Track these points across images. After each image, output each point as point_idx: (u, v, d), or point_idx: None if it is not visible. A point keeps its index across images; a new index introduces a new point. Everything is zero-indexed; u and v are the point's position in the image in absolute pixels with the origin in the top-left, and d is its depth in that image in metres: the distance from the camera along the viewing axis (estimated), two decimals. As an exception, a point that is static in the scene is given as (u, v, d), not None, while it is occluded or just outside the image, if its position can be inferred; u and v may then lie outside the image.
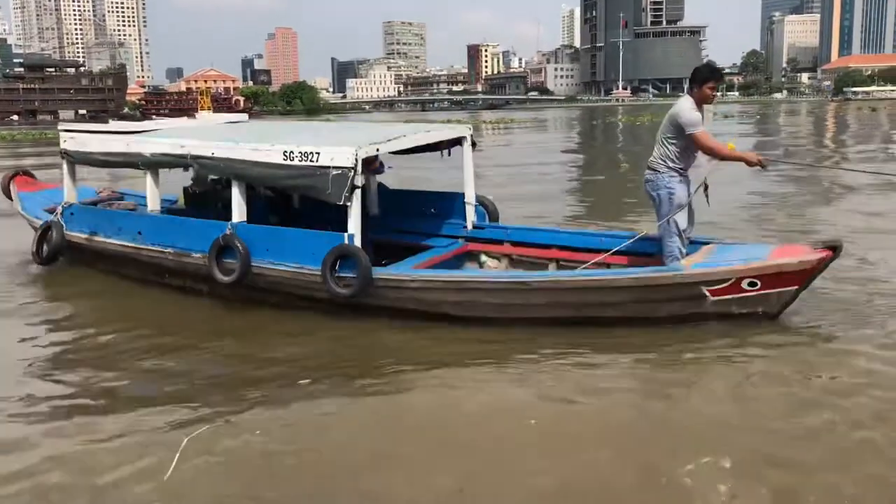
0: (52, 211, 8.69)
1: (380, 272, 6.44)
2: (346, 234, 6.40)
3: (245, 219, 7.06)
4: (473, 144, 8.00)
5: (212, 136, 7.65)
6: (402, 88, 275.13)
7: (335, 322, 6.59)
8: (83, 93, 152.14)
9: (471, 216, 8.03)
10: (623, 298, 5.87)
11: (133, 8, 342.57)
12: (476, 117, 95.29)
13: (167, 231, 7.53)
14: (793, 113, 74.32)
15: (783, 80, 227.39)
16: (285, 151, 6.64)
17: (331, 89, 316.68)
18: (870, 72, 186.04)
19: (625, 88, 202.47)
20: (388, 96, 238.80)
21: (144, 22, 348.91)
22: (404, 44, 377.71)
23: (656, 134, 6.59)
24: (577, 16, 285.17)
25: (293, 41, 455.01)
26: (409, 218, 8.29)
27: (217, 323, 6.94)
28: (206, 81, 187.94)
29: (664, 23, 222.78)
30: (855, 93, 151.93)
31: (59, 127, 8.58)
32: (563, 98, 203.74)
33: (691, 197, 6.47)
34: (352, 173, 6.28)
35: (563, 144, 36.78)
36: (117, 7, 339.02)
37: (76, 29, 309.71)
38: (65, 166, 8.49)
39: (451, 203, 8.18)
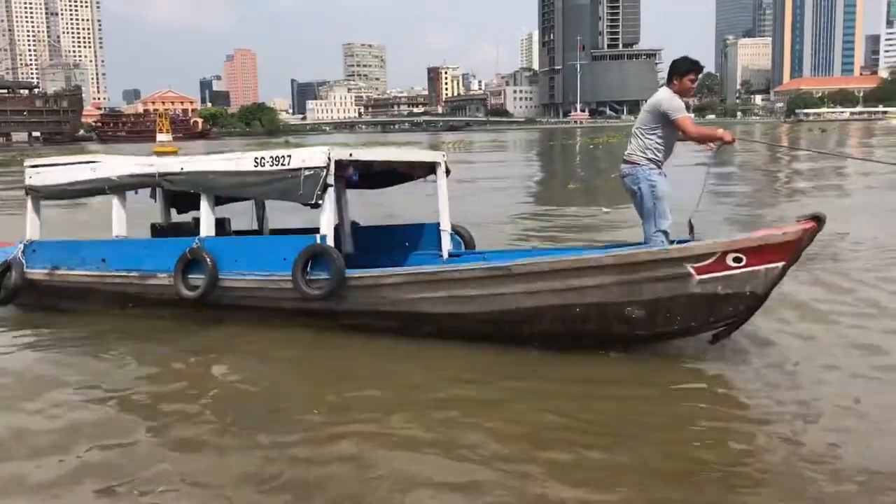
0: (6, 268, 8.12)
1: (354, 272, 6.25)
2: (317, 235, 6.30)
3: (213, 233, 6.97)
4: (448, 171, 7.87)
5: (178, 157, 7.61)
6: (362, 110, 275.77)
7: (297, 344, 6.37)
8: (37, 115, 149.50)
9: (446, 244, 7.85)
10: (606, 280, 5.61)
11: (89, 29, 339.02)
12: (437, 139, 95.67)
13: (133, 254, 7.38)
14: (748, 135, 75.84)
15: (737, 101, 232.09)
16: (256, 158, 6.65)
17: (290, 111, 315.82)
18: (820, 94, 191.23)
19: (583, 110, 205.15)
20: (349, 118, 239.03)
21: (101, 43, 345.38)
22: (365, 66, 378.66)
23: (632, 128, 6.54)
24: (536, 39, 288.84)
25: (252, 62, 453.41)
26: (383, 253, 8.07)
27: (169, 358, 6.32)
28: (163, 103, 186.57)
29: (621, 46, 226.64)
30: (807, 114, 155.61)
31: (25, 163, 8.36)
32: (522, 120, 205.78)
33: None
34: (324, 172, 6.27)
35: (522, 167, 37.07)
36: (73, 28, 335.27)
37: (30, 50, 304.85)
38: (29, 202, 8.26)
39: (425, 233, 8.04)
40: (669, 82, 6.43)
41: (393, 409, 4.97)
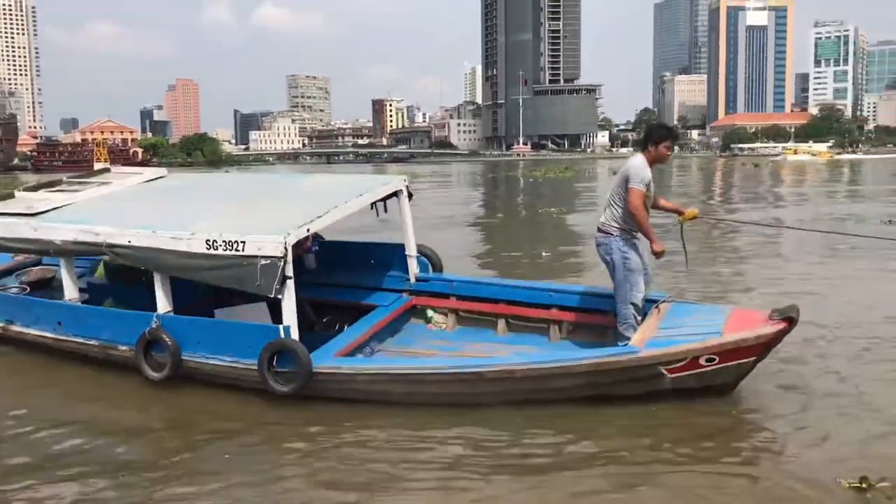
0: None
1: (322, 366, 5.92)
2: (281, 327, 5.93)
3: (171, 309, 6.52)
4: (410, 195, 7.74)
5: (128, 214, 7.09)
6: (306, 141, 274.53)
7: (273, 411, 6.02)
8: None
9: (413, 268, 7.75)
10: (579, 383, 5.68)
11: (25, 56, 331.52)
12: (381, 170, 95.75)
13: (89, 322, 6.95)
14: (684, 168, 77.61)
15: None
16: (208, 240, 6.08)
17: (233, 141, 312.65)
18: (754, 129, 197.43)
19: (525, 143, 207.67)
20: (293, 149, 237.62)
21: (38, 71, 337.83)
22: (309, 97, 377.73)
23: (606, 195, 6.47)
24: (479, 73, 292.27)
25: (194, 92, 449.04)
26: (349, 272, 7.89)
27: (141, 413, 6.17)
28: (102, 132, 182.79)
29: (562, 81, 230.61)
30: (741, 149, 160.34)
31: None
32: (466, 152, 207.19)
33: (646, 263, 6.37)
34: (281, 263, 5.79)
35: (466, 195, 37.33)
36: (8, 55, 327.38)
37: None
38: None
39: (392, 254, 7.86)
40: (644, 149, 6.36)
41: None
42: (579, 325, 7.13)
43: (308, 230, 6.20)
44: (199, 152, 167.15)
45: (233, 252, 5.98)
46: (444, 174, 75.97)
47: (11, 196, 7.96)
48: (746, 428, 5.59)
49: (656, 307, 6.37)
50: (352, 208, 6.86)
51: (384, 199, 7.58)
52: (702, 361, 5.53)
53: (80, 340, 6.92)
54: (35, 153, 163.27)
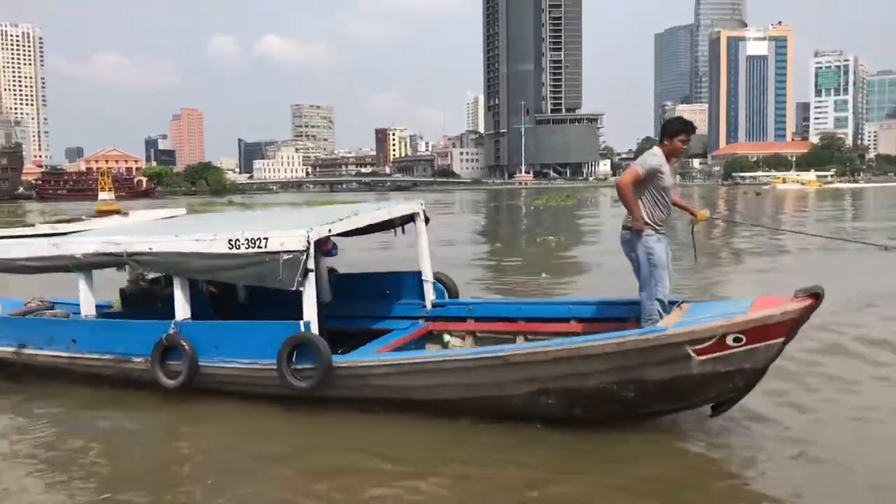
0: None
1: (341, 360, 5.99)
2: (301, 322, 5.96)
3: (189, 316, 6.56)
4: (427, 220, 7.71)
5: (148, 230, 7.14)
6: (310, 170, 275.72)
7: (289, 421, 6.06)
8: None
9: (429, 294, 7.65)
10: (606, 366, 5.49)
11: (32, 86, 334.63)
12: (384, 198, 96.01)
13: (104, 336, 6.92)
14: (685, 197, 77.65)
15: (676, 165, 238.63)
16: (231, 240, 6.17)
17: (237, 170, 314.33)
18: (755, 158, 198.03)
19: (527, 172, 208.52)
20: (297, 177, 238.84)
21: (44, 101, 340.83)
22: (313, 126, 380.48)
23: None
24: (482, 103, 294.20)
25: (199, 122, 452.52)
26: (364, 302, 7.85)
27: (162, 443, 6.13)
28: (107, 161, 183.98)
29: (563, 111, 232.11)
30: (742, 177, 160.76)
31: None
32: (469, 181, 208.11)
33: (670, 257, 6.27)
34: (304, 257, 5.89)
35: (470, 223, 37.51)
36: (15, 85, 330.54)
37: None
38: None
39: (407, 282, 7.79)
40: (661, 142, 6.34)
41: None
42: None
43: (330, 230, 6.31)
44: (203, 181, 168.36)
45: (255, 249, 6.07)
46: (446, 202, 76.23)
47: (32, 226, 8.12)
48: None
49: (678, 306, 6.30)
50: (371, 219, 7.00)
51: (402, 223, 7.69)
52: (729, 341, 5.34)
53: (95, 356, 6.89)
54: (40, 182, 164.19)
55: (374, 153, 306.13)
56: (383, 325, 7.58)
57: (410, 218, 7.67)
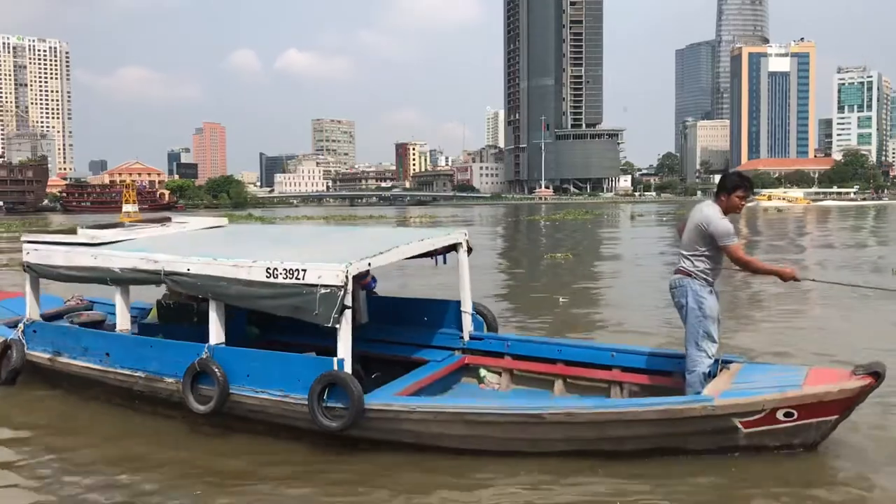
0: (13, 325, 8.00)
1: (374, 402, 5.76)
2: (335, 360, 5.81)
3: (223, 340, 6.45)
4: (469, 249, 7.50)
5: (187, 249, 7.07)
6: (330, 184, 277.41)
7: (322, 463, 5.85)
8: (1, 184, 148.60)
9: (467, 326, 7.41)
10: (646, 432, 5.27)
11: (58, 100, 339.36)
12: (404, 213, 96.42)
13: (138, 353, 6.88)
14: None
15: (697, 181, 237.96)
16: (268, 269, 6.06)
17: (259, 183, 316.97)
18: (777, 174, 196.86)
19: (547, 187, 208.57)
20: (317, 191, 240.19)
21: (69, 114, 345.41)
22: (333, 140, 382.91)
23: (682, 238, 6.16)
24: (502, 118, 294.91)
25: (221, 135, 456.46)
26: (400, 327, 7.66)
27: (188, 462, 5.99)
28: (130, 174, 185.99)
29: (584, 126, 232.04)
30: (762, 194, 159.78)
31: (23, 238, 7.98)
32: (488, 195, 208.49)
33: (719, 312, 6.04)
34: (341, 292, 5.72)
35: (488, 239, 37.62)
36: (41, 99, 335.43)
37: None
38: (27, 280, 7.90)
39: (445, 311, 7.56)
40: (717, 198, 6.04)
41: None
42: (644, 387, 6.61)
43: (369, 264, 6.14)
44: (224, 194, 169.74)
45: (293, 280, 5.94)
46: (465, 217, 76.47)
47: (74, 232, 8.15)
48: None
49: (727, 367, 5.93)
50: (412, 250, 6.78)
51: (444, 252, 7.48)
52: (779, 416, 5.10)
53: (127, 372, 6.87)
54: (64, 194, 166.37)
55: (393, 168, 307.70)
56: (418, 354, 7.40)
57: (453, 247, 7.44)
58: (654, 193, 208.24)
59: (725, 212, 5.97)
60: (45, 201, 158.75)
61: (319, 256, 6.16)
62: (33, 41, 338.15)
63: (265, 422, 6.24)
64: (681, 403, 5.26)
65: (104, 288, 7.58)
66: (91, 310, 9.22)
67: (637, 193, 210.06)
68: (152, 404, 6.83)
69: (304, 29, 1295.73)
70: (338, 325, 5.77)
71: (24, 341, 7.71)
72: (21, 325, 7.83)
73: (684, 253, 6.05)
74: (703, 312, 5.87)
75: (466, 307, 7.42)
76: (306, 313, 5.88)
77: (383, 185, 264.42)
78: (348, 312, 5.80)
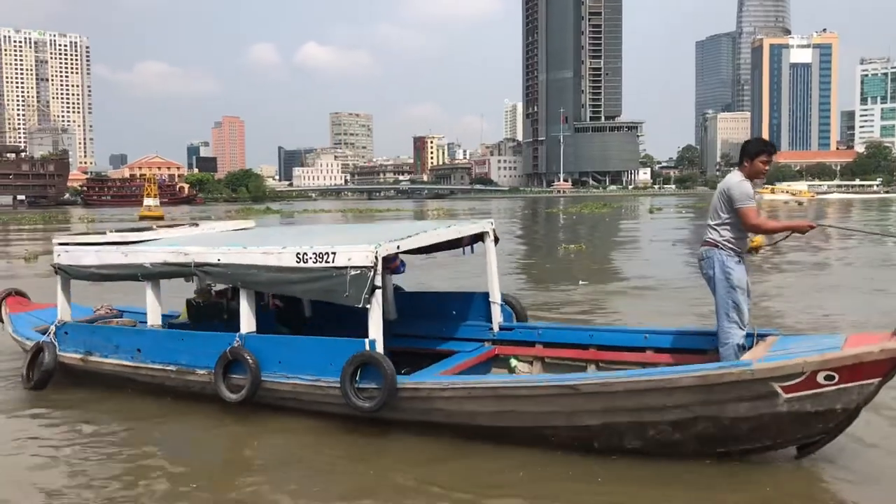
0: (43, 331, 8.07)
1: (406, 381, 5.82)
2: (366, 340, 5.87)
3: (254, 329, 6.55)
4: (496, 239, 7.51)
5: (217, 241, 7.17)
6: (348, 177, 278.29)
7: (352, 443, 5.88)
8: (23, 178, 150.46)
9: (497, 317, 7.40)
10: (685, 400, 5.14)
11: (78, 95, 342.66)
12: (421, 206, 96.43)
13: (169, 347, 6.96)
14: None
15: (717, 174, 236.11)
16: (298, 253, 6.17)
17: (277, 177, 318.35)
18: (798, 167, 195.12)
19: (566, 180, 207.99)
20: (335, 184, 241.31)
21: (90, 108, 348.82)
22: (351, 134, 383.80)
23: (708, 210, 6.14)
24: (520, 111, 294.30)
25: (240, 129, 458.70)
26: (429, 322, 7.67)
27: (224, 454, 6.05)
28: (150, 168, 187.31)
29: (603, 118, 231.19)
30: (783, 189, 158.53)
31: (53, 241, 8.03)
32: (506, 189, 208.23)
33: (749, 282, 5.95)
34: (371, 273, 5.81)
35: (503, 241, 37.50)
36: (62, 93, 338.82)
37: (19, 114, 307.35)
38: (58, 282, 7.93)
39: (474, 304, 7.57)
40: (740, 164, 6.03)
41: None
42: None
43: (398, 246, 6.21)
44: (243, 188, 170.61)
45: (323, 264, 6.04)
46: (483, 210, 76.32)
47: (103, 233, 8.27)
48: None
49: (762, 340, 5.85)
50: (440, 236, 6.86)
51: (471, 242, 7.50)
52: (820, 379, 4.94)
53: (159, 367, 6.94)
54: (85, 188, 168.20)
55: (411, 161, 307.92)
56: (448, 347, 7.40)
57: (479, 237, 7.47)
58: (673, 186, 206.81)
59: (749, 178, 5.95)
60: (66, 195, 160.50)
61: (348, 242, 6.21)
62: (54, 36, 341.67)
63: (297, 409, 6.28)
64: (719, 368, 5.15)
65: (133, 295, 7.56)
66: (121, 317, 9.25)
67: (657, 186, 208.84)
68: (184, 399, 6.83)
69: (323, 22, 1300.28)
70: (368, 306, 5.82)
71: (55, 343, 7.72)
72: (52, 328, 7.85)
73: (710, 223, 6.04)
74: (731, 283, 5.84)
75: (495, 297, 7.40)
76: (337, 296, 5.96)
77: (401, 178, 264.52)
78: (379, 293, 5.86)
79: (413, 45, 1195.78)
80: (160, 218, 61.11)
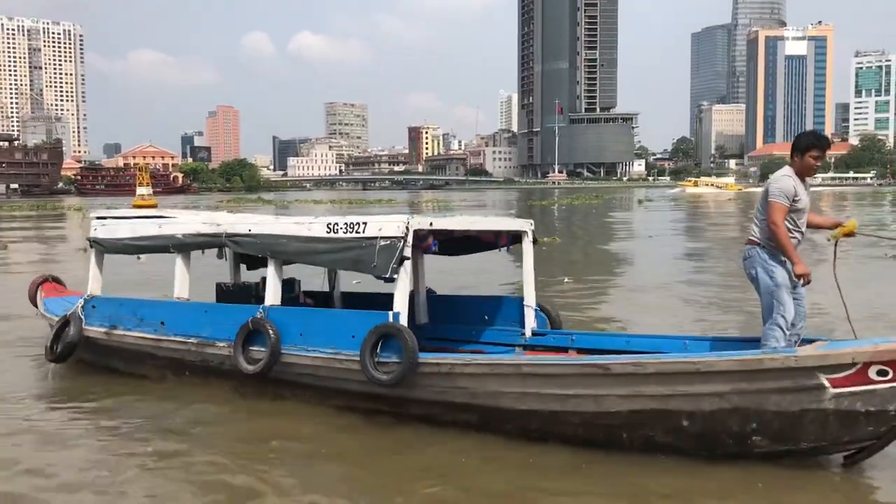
0: None
1: (428, 356, 5.60)
2: (390, 313, 5.71)
3: (279, 302, 6.52)
4: (535, 241, 7.20)
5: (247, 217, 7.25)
6: (343, 167, 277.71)
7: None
8: (16, 167, 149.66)
9: (530, 321, 7.14)
10: (722, 388, 4.74)
11: (72, 83, 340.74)
12: (416, 197, 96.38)
13: (192, 318, 6.96)
14: (726, 199, 76.47)
15: (712, 165, 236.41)
16: (329, 224, 6.24)
17: (272, 167, 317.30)
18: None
19: (561, 171, 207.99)
20: (330, 175, 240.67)
21: (83, 97, 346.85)
22: (346, 124, 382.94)
23: (756, 206, 5.91)
24: (515, 102, 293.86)
25: (235, 119, 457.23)
26: (460, 326, 7.51)
27: (234, 428, 6.10)
28: (144, 157, 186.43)
29: (598, 110, 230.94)
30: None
31: (91, 214, 8.25)
32: (501, 180, 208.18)
33: (798, 283, 5.59)
34: (401, 244, 5.74)
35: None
36: (56, 81, 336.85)
37: (12, 103, 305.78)
38: (92, 256, 8.03)
39: (506, 308, 7.38)
40: (791, 160, 5.76)
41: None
42: None
43: (431, 223, 6.14)
44: (238, 178, 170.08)
45: (353, 234, 6.05)
46: (478, 201, 76.29)
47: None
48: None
49: (810, 344, 5.30)
50: (475, 223, 6.76)
51: (508, 242, 7.32)
52: (872, 374, 4.49)
53: (180, 339, 6.90)
54: (79, 177, 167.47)
55: (406, 151, 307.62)
56: (479, 350, 7.21)
57: (517, 237, 7.20)
58: (668, 178, 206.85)
59: (799, 174, 5.69)
60: (60, 184, 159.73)
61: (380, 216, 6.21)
62: (47, 24, 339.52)
63: (313, 386, 6.21)
64: (760, 354, 4.79)
65: (155, 286, 7.48)
66: None
67: (651, 178, 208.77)
68: (203, 375, 6.86)
69: (317, 11, 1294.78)
70: (396, 276, 5.74)
71: (82, 316, 7.67)
72: (80, 301, 7.85)
73: (755, 220, 5.82)
74: (775, 282, 5.56)
75: (530, 301, 7.15)
76: (365, 266, 5.91)
77: (396, 168, 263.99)
78: (407, 264, 5.80)
79: (409, 36, 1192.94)
80: (153, 207, 60.86)
